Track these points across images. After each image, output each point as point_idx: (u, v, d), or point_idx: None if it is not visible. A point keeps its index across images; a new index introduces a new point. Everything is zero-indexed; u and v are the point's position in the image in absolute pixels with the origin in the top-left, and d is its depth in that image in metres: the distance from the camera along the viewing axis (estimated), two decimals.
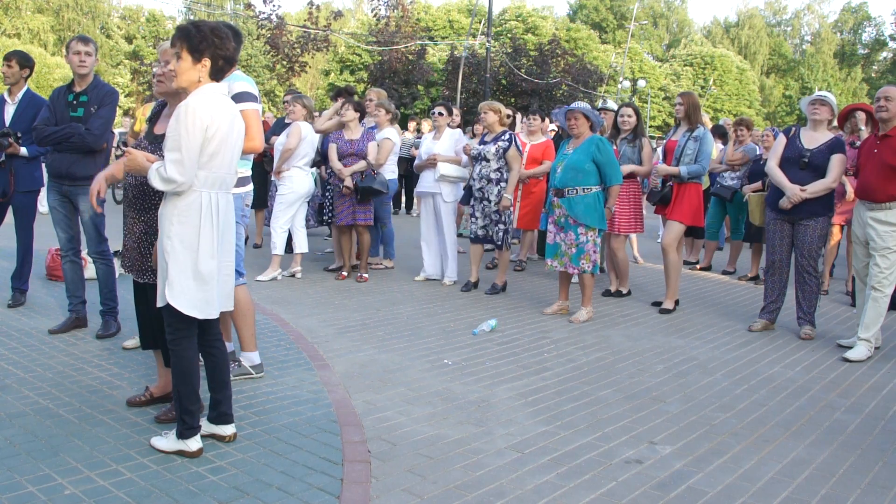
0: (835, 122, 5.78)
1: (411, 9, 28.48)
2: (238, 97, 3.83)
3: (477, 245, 6.93)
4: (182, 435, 3.06)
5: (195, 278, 2.97)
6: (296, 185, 6.97)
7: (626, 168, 6.50)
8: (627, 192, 6.72)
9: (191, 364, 3.07)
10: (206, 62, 3.00)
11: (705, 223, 8.66)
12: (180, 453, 3.06)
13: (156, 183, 2.93)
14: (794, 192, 5.31)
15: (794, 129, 5.61)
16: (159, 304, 3.03)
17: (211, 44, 2.98)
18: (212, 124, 2.93)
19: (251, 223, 9.04)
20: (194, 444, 3.07)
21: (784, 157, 5.48)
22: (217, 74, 3.06)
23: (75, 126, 4.58)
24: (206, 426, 3.23)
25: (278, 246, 6.95)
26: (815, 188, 5.29)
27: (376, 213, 7.62)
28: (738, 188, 8.06)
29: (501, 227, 6.66)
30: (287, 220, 7.02)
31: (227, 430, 3.23)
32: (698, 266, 8.79)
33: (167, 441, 3.10)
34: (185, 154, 2.87)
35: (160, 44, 3.54)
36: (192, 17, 45.11)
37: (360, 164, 6.94)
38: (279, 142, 7.12)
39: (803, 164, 5.35)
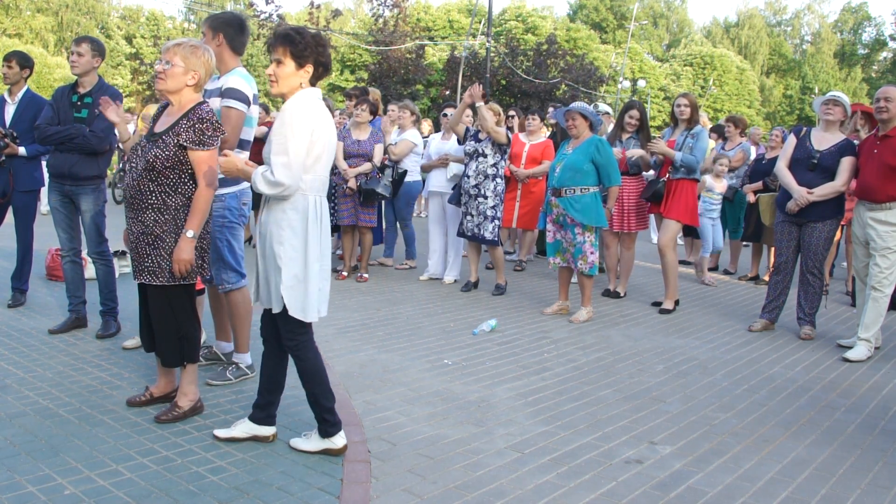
0: (847, 123, 5.75)
1: (407, 7, 28.45)
2: (226, 93, 3.79)
3: (475, 244, 6.92)
4: (327, 433, 3.12)
5: (304, 282, 3.00)
6: None
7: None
8: (637, 189, 6.73)
9: (316, 364, 3.12)
10: (309, 68, 3.01)
11: None
12: (326, 452, 3.13)
13: (262, 187, 2.93)
14: (801, 195, 5.29)
15: (804, 129, 5.59)
16: (276, 310, 3.03)
17: (314, 51, 2.99)
18: (316, 128, 2.95)
19: (253, 223, 9.03)
20: (340, 440, 3.14)
21: (793, 158, 5.46)
22: (314, 81, 3.06)
23: (79, 127, 4.58)
24: (249, 426, 3.25)
25: None
26: (823, 191, 5.26)
27: (399, 213, 7.69)
28: (737, 187, 8.06)
29: (494, 224, 6.63)
30: None
31: (269, 431, 3.26)
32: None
33: (311, 442, 3.16)
34: (293, 157, 2.89)
35: (165, 42, 3.55)
36: (192, 18, 45.08)
37: (365, 167, 6.94)
38: None
39: (812, 166, 5.32)
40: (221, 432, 3.26)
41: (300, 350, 3.09)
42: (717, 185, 7.74)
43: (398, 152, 7.35)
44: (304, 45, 2.97)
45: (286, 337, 3.09)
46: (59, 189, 4.78)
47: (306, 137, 2.92)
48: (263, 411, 3.25)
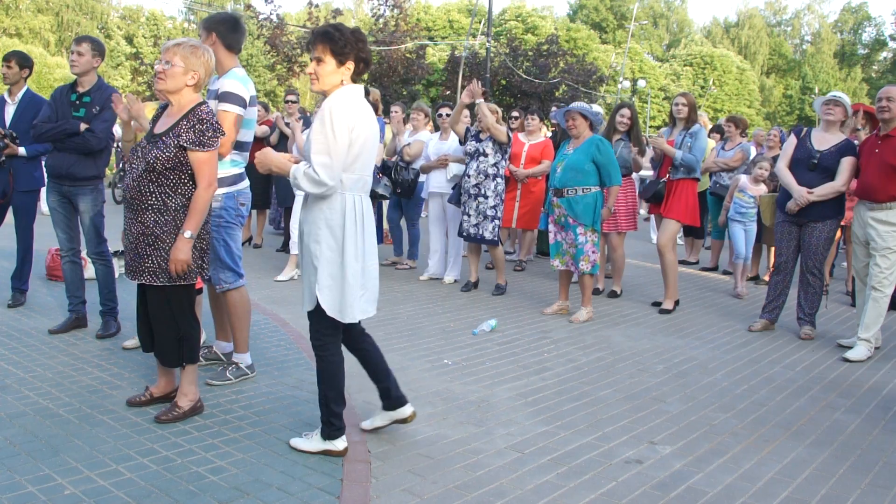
0: (847, 122, 5.75)
1: (408, 8, 28.44)
2: (221, 97, 3.78)
3: (475, 245, 6.93)
4: (329, 436, 3.12)
5: (341, 281, 3.00)
6: None
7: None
8: (625, 190, 6.74)
9: (337, 368, 3.11)
10: (350, 65, 2.99)
11: (711, 223, 8.70)
12: (326, 453, 3.12)
13: (304, 185, 2.91)
14: (801, 195, 5.28)
15: (805, 129, 5.58)
16: (307, 308, 3.05)
17: (354, 46, 2.98)
18: (356, 126, 2.93)
19: (253, 223, 9.04)
20: (341, 443, 3.13)
21: (794, 159, 5.45)
22: (356, 77, 3.05)
23: (73, 122, 4.58)
24: (387, 414, 3.33)
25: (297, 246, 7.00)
26: (823, 191, 5.24)
27: (408, 213, 7.72)
28: None
29: (494, 224, 6.62)
30: None
31: (407, 410, 3.31)
32: (714, 267, 8.77)
33: (311, 442, 3.16)
34: (334, 157, 2.88)
35: (165, 42, 3.55)
36: (192, 18, 45.07)
37: None
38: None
39: (812, 166, 5.31)
40: (366, 424, 3.39)
41: (325, 351, 3.09)
42: (751, 188, 7.11)
43: (412, 153, 7.37)
44: (343, 42, 2.95)
45: (313, 335, 3.10)
46: (57, 189, 4.78)
47: (345, 136, 2.89)
48: (386, 398, 3.32)
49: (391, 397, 3.32)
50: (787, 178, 5.42)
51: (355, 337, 3.29)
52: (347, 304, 3.02)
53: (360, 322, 3.23)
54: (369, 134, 3.01)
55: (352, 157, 2.95)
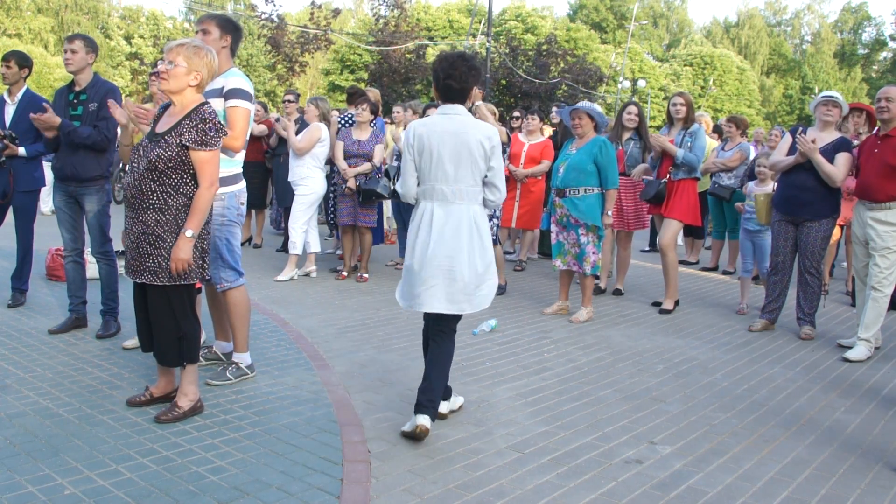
0: (842, 123, 5.76)
1: (410, 9, 28.46)
2: (230, 93, 3.82)
3: None
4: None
5: (408, 273, 3.47)
6: (316, 186, 7.06)
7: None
8: (635, 190, 6.74)
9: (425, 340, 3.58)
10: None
11: (712, 223, 8.71)
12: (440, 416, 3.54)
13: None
14: (804, 140, 5.24)
15: (801, 129, 5.57)
16: None
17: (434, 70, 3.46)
18: (416, 141, 3.39)
19: (253, 223, 9.04)
20: (421, 419, 3.31)
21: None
22: (443, 97, 3.46)
23: (84, 129, 4.59)
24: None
25: (297, 246, 7.02)
26: (825, 165, 5.20)
27: (406, 214, 7.72)
28: (736, 188, 8.06)
29: (491, 223, 6.61)
30: (306, 221, 7.08)
31: (416, 419, 3.32)
32: (714, 266, 8.77)
33: (446, 403, 3.60)
34: (402, 166, 3.46)
35: (167, 42, 3.56)
36: (192, 18, 45.07)
37: (365, 167, 6.96)
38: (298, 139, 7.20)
39: (808, 165, 5.32)
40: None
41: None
42: (758, 191, 6.17)
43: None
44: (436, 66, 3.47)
45: None
46: (63, 190, 4.80)
47: (406, 150, 3.42)
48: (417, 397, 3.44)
49: (416, 399, 3.37)
50: (780, 156, 5.45)
51: (431, 330, 3.52)
52: (409, 293, 3.45)
53: (450, 323, 3.49)
54: (433, 148, 3.34)
55: (418, 170, 3.41)
